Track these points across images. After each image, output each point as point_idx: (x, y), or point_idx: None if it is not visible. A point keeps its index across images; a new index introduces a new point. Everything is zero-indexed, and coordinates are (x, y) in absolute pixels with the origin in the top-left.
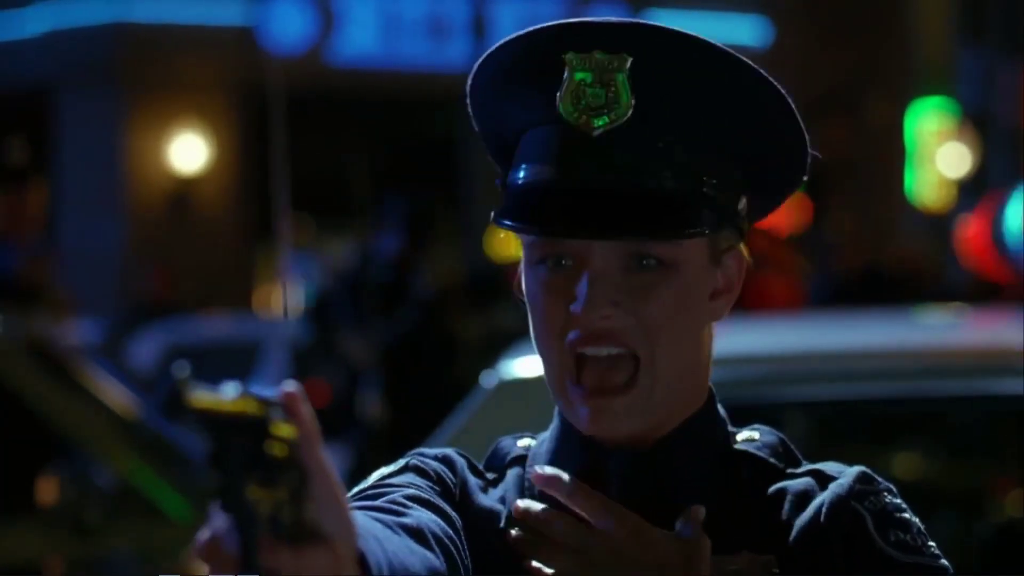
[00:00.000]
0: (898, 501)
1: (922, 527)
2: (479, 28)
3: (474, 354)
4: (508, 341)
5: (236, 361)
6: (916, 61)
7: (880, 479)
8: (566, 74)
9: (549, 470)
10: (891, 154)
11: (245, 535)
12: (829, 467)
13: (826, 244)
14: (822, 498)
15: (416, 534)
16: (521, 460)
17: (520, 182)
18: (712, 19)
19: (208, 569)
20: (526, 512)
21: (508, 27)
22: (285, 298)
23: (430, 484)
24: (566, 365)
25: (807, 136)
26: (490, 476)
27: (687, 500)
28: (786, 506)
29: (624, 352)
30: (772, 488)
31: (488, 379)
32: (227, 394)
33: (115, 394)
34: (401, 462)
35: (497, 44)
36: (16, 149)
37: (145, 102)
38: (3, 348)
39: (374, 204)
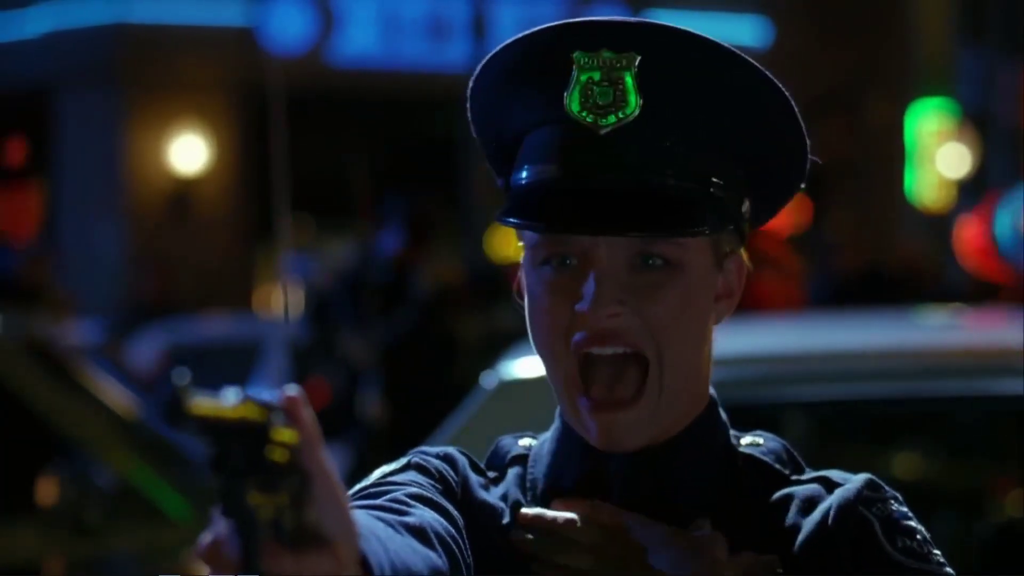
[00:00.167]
0: (904, 509)
1: (927, 535)
2: (479, 28)
3: (474, 354)
4: (508, 341)
5: (236, 361)
6: (916, 61)
7: (887, 487)
8: (574, 73)
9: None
10: (891, 154)
11: (247, 540)
12: (835, 474)
13: (826, 244)
14: (829, 502)
15: (418, 533)
16: (522, 459)
17: (524, 181)
18: (712, 19)
19: (210, 573)
20: (538, 517)
21: (508, 27)
22: (285, 298)
23: (432, 482)
24: (572, 369)
25: (807, 140)
26: (491, 475)
27: (688, 503)
28: (792, 510)
29: (630, 352)
30: (778, 493)
31: (488, 379)
32: (227, 400)
33: (115, 394)
34: (403, 460)
35: (501, 44)
36: (16, 149)
37: (145, 102)
38: (3, 348)
39: (374, 204)
